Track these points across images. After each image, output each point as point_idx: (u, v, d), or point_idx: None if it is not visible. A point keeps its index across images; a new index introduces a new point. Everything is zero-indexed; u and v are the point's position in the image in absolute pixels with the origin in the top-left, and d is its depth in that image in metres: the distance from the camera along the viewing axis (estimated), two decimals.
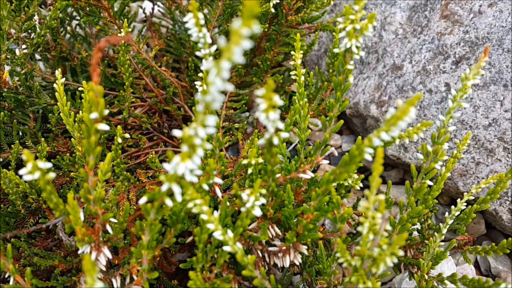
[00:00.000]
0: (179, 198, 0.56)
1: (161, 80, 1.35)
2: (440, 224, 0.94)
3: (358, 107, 1.29)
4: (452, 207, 0.92)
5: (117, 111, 1.25)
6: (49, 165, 0.57)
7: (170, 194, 0.59)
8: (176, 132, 0.51)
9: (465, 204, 0.93)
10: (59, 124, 1.13)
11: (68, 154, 1.01)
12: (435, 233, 0.94)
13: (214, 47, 0.65)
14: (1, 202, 1.08)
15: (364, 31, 0.66)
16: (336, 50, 0.70)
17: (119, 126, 0.79)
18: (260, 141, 0.61)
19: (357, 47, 0.68)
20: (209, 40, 0.63)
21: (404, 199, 1.26)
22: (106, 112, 0.59)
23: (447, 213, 0.93)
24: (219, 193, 0.84)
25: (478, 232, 1.22)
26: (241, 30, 0.38)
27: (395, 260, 0.58)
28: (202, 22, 0.60)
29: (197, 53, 0.65)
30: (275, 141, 0.59)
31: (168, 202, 0.58)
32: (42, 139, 0.95)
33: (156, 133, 1.31)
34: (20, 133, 1.18)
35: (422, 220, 1.01)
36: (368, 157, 0.60)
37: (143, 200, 0.59)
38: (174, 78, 1.31)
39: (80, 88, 0.93)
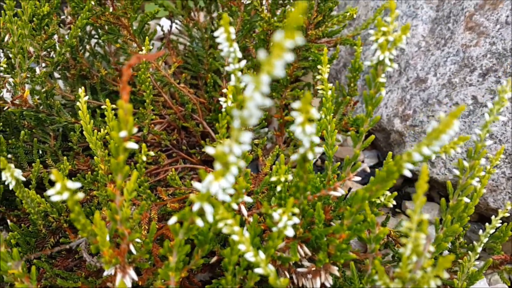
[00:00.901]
0: (210, 218, 0.54)
1: (180, 97, 1.34)
2: (475, 242, 0.90)
3: (381, 121, 1.26)
4: (487, 224, 0.88)
5: (136, 129, 1.24)
6: (78, 185, 0.56)
7: (200, 214, 0.57)
8: (209, 150, 0.49)
9: (500, 221, 0.89)
10: (80, 142, 1.12)
11: (89, 172, 1.00)
12: (469, 252, 0.90)
13: (243, 62, 0.64)
14: (21, 222, 1.07)
15: (397, 42, 0.64)
16: (367, 63, 0.68)
17: (143, 144, 0.78)
18: (294, 156, 0.59)
19: (390, 59, 0.66)
20: (239, 55, 0.61)
21: (431, 216, 1.22)
22: (134, 130, 0.57)
23: (481, 231, 0.89)
24: (244, 211, 0.81)
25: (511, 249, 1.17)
26: (284, 42, 0.36)
27: (439, 283, 0.55)
28: (233, 36, 0.58)
29: (227, 68, 0.64)
30: (310, 156, 0.56)
31: (199, 222, 0.56)
32: (64, 158, 0.94)
33: (175, 150, 1.29)
34: (40, 152, 1.18)
35: (454, 238, 0.97)
36: (408, 173, 0.58)
37: (173, 220, 0.57)
38: (193, 95, 1.30)
39: (102, 107, 0.92)
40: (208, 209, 0.53)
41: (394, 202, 0.78)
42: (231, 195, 0.65)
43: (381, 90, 0.69)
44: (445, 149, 0.70)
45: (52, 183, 1.16)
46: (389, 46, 0.64)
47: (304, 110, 0.50)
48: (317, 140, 0.54)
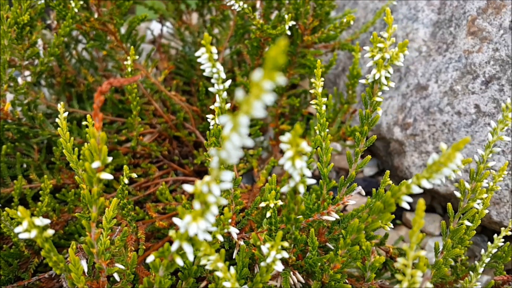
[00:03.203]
0: (191, 257, 0.49)
1: (171, 104, 1.29)
2: (476, 262, 0.85)
3: (380, 129, 1.21)
4: (489, 243, 0.84)
5: (125, 139, 1.20)
6: (46, 221, 0.51)
7: (181, 251, 0.52)
8: (187, 187, 0.45)
9: (502, 240, 0.84)
10: (64, 155, 1.07)
11: (73, 189, 0.95)
12: (471, 272, 0.86)
13: (228, 82, 0.59)
14: (4, 241, 1.02)
15: (394, 60, 0.59)
16: (362, 81, 0.63)
17: (125, 166, 0.73)
18: (284, 188, 0.54)
19: (386, 78, 0.61)
20: (223, 76, 0.57)
21: (433, 228, 1.18)
22: (109, 159, 0.52)
23: (482, 250, 0.84)
24: (235, 235, 0.76)
25: None
26: (263, 83, 0.32)
27: None
28: (216, 57, 0.53)
29: (211, 89, 0.59)
30: (301, 189, 0.52)
31: (179, 261, 0.51)
32: (45, 176, 0.89)
33: (167, 161, 1.25)
34: (25, 165, 1.13)
35: (455, 256, 0.92)
36: (406, 206, 0.53)
37: (151, 258, 0.52)
38: (185, 103, 1.25)
39: (84, 122, 0.87)
40: (188, 249, 0.49)
41: (392, 226, 0.73)
42: (212, 233, 0.60)
43: (378, 110, 0.64)
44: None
45: (38, 198, 1.12)
46: (385, 63, 0.59)
47: (294, 144, 0.45)
48: (308, 173, 0.49)
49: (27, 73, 1.19)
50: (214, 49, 0.53)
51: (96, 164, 0.52)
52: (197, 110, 1.29)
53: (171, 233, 0.50)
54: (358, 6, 1.42)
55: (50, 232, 0.52)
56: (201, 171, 1.30)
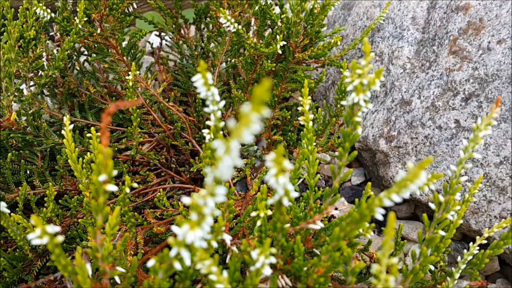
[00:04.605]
0: (188, 262, 0.55)
1: (169, 115, 1.35)
2: (453, 268, 0.92)
3: (367, 141, 1.28)
4: (465, 251, 0.90)
5: (124, 147, 1.25)
6: (57, 228, 0.57)
7: (179, 256, 0.58)
8: (185, 200, 0.51)
9: (478, 247, 0.91)
10: (67, 163, 1.13)
11: (76, 196, 1.01)
12: (448, 278, 0.93)
13: (222, 103, 0.65)
14: (8, 244, 1.07)
15: (371, 85, 0.66)
16: (343, 103, 0.70)
17: (127, 176, 0.79)
18: (270, 200, 0.60)
19: (365, 101, 0.67)
20: (218, 98, 0.63)
21: (415, 235, 1.24)
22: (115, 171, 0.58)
23: (459, 257, 0.91)
24: (228, 241, 0.82)
25: (492, 269, 1.19)
26: (251, 115, 0.38)
27: None
28: (211, 81, 0.59)
29: (205, 109, 0.65)
30: (285, 202, 0.58)
31: (177, 266, 0.57)
32: (50, 184, 0.95)
33: (164, 168, 1.31)
34: (28, 172, 1.19)
35: (435, 263, 0.99)
36: (379, 217, 0.59)
37: (151, 262, 0.58)
38: (182, 113, 1.31)
39: (88, 134, 0.93)
40: (185, 254, 0.55)
41: (372, 233, 0.79)
42: (208, 240, 0.66)
43: (357, 128, 0.70)
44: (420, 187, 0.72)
45: (41, 204, 1.18)
46: (363, 88, 0.66)
47: (278, 162, 0.51)
48: (291, 187, 0.55)
49: (31, 83, 1.25)
50: (209, 75, 0.59)
51: (102, 177, 0.58)
52: (193, 120, 1.35)
53: (170, 240, 0.56)
54: (348, 23, 1.49)
55: (60, 238, 0.58)
56: (197, 178, 1.36)
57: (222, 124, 0.68)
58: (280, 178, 0.52)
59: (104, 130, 0.57)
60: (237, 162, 0.44)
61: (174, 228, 0.54)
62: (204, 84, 0.60)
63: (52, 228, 0.56)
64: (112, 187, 0.59)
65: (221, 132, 0.72)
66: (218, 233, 0.65)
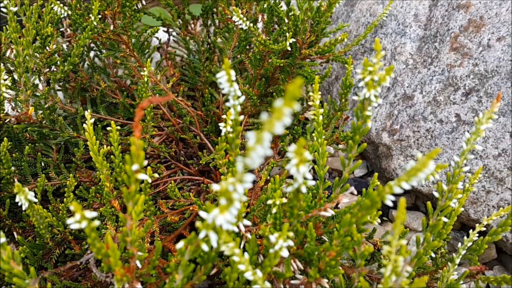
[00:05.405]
0: (215, 244, 0.60)
1: (178, 109, 1.39)
2: (453, 254, 0.97)
3: (370, 134, 1.33)
4: (465, 237, 0.96)
5: None
6: (94, 214, 0.61)
7: (206, 239, 0.63)
8: (215, 186, 0.55)
9: (477, 234, 0.97)
10: (83, 155, 1.17)
11: (93, 187, 1.05)
12: (449, 263, 0.98)
13: (242, 98, 0.69)
14: (27, 233, 1.12)
15: (381, 82, 0.70)
16: (355, 98, 0.74)
17: (149, 168, 0.83)
18: (288, 188, 0.65)
19: (375, 96, 0.72)
20: (239, 93, 0.67)
21: (416, 224, 1.30)
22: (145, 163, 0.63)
23: (460, 244, 0.96)
24: (242, 228, 0.87)
25: (490, 257, 1.25)
26: (283, 109, 0.43)
27: None
28: (234, 78, 0.64)
29: (227, 103, 0.70)
30: (303, 189, 0.63)
31: (205, 247, 0.62)
32: (71, 175, 0.99)
33: (174, 161, 1.35)
34: (43, 164, 1.23)
35: (436, 249, 1.04)
36: (389, 203, 0.64)
37: (180, 244, 0.63)
38: (190, 107, 1.35)
39: (108, 128, 0.97)
40: (213, 236, 0.59)
41: (379, 220, 0.84)
42: (233, 224, 0.71)
43: (367, 122, 0.75)
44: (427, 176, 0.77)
45: (56, 195, 1.22)
46: (374, 84, 0.70)
47: (299, 153, 0.56)
48: (309, 176, 0.60)
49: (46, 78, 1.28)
50: (232, 72, 0.64)
51: (135, 166, 0.62)
52: (201, 114, 1.40)
53: (198, 223, 0.61)
54: (351, 19, 1.54)
55: (96, 223, 0.62)
56: (205, 171, 1.41)
57: (247, 140, 0.73)
58: (301, 167, 0.57)
59: (138, 123, 0.61)
60: (268, 151, 0.49)
61: (201, 213, 0.59)
62: (227, 80, 0.65)
63: (90, 214, 0.61)
64: (143, 176, 0.63)
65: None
66: (239, 218, 0.70)
